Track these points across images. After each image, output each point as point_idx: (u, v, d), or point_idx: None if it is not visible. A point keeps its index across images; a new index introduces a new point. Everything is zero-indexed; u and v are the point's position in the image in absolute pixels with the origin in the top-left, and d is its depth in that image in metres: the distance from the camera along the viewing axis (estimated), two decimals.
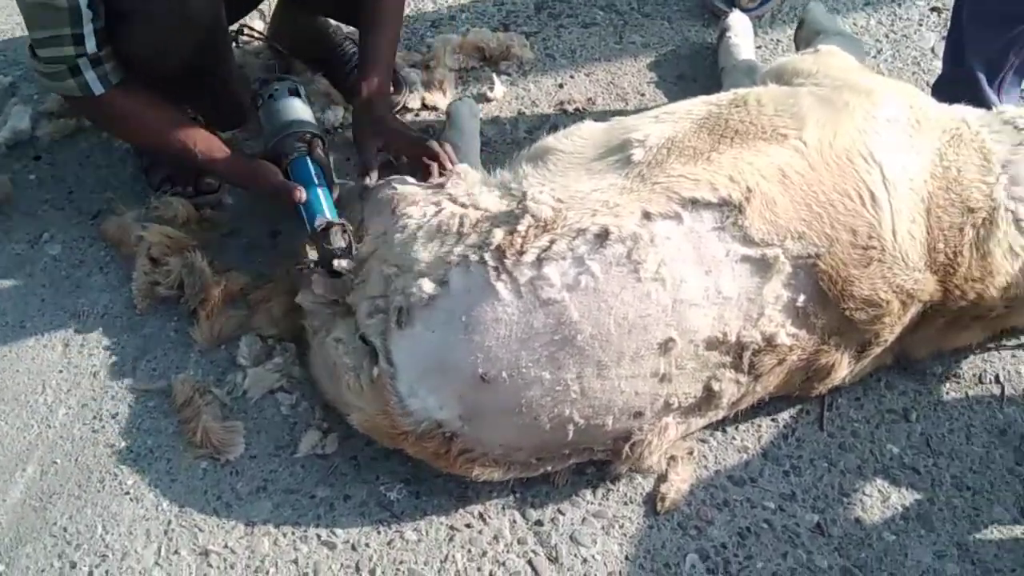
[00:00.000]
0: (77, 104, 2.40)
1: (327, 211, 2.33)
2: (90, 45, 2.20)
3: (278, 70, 2.90)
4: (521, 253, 1.95)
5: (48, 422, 2.27)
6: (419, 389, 1.99)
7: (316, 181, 2.40)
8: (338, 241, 2.23)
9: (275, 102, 2.55)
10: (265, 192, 2.42)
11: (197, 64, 2.36)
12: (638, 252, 1.95)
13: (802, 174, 2.06)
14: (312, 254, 2.27)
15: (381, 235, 2.17)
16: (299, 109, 2.54)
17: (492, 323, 1.93)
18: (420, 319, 1.99)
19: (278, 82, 2.60)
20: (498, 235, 1.99)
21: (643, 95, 2.98)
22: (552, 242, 1.96)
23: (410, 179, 2.28)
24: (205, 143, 2.41)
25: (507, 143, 2.81)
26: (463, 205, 2.12)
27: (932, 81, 2.85)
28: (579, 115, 2.34)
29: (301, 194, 2.33)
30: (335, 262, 2.20)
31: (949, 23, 2.73)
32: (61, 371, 2.36)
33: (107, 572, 2.04)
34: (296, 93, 2.58)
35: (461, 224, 2.06)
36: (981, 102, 2.54)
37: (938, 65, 2.83)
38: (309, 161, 2.44)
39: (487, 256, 1.96)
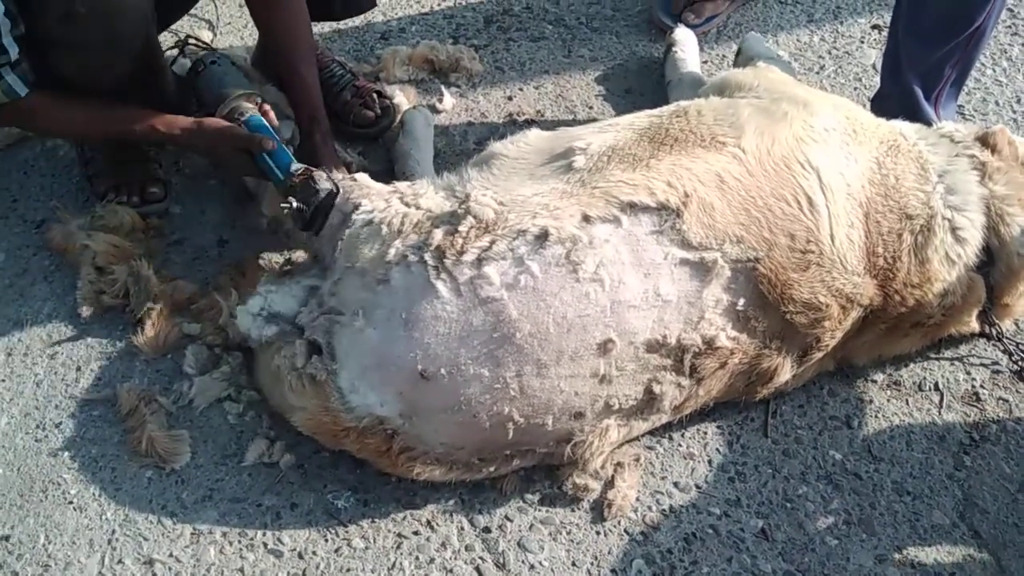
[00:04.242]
0: (4, 112, 2.32)
1: (295, 160, 2.29)
2: (13, 54, 2.18)
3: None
4: (461, 253, 1.98)
5: None
6: (360, 385, 2.00)
7: (275, 137, 2.35)
8: (324, 183, 2.19)
9: (218, 67, 2.49)
10: (228, 149, 2.35)
11: (132, 80, 2.35)
12: (577, 253, 1.98)
13: (740, 180, 2.09)
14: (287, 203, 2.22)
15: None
16: (242, 76, 2.51)
17: (432, 321, 1.95)
18: (361, 316, 2.01)
19: (216, 53, 2.56)
20: (438, 235, 2.01)
21: (591, 108, 3.02)
22: (492, 243, 1.99)
23: (368, 176, 2.31)
24: (153, 114, 2.39)
25: (456, 154, 2.83)
26: (407, 204, 2.13)
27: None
28: (528, 127, 2.38)
29: (271, 143, 2.28)
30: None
31: (887, 38, 2.79)
32: (3, 380, 2.34)
33: None
34: (236, 64, 2.54)
35: (402, 224, 2.08)
36: (918, 117, 2.60)
37: (879, 81, 2.88)
38: (263, 119, 2.39)
39: (427, 256, 1.99)
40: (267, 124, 2.38)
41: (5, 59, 2.18)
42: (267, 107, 2.44)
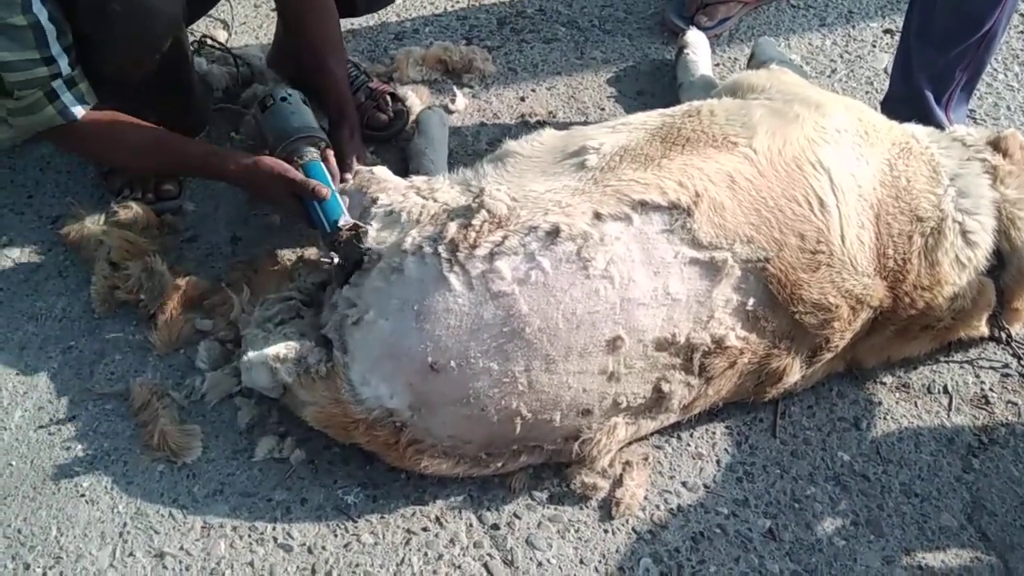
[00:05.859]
0: (57, 134, 2.33)
1: (346, 213, 2.24)
2: (63, 65, 2.19)
3: (240, 79, 2.92)
4: (474, 247, 1.99)
5: (4, 424, 2.27)
6: (371, 377, 2.02)
7: (331, 185, 2.30)
8: (367, 241, 2.15)
9: (288, 104, 2.45)
10: (281, 192, 2.30)
11: (160, 77, 2.37)
12: (588, 250, 1.99)
13: (751, 180, 2.09)
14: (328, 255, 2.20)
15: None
16: (310, 116, 2.46)
17: (443, 313, 1.96)
18: (374, 307, 2.03)
19: (288, 88, 2.51)
20: (452, 228, 2.03)
21: (603, 109, 3.02)
22: (505, 238, 2.00)
23: (387, 170, 2.34)
24: (208, 148, 2.42)
25: (469, 154, 2.84)
26: (424, 197, 2.16)
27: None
28: (540, 127, 2.40)
29: (325, 191, 2.24)
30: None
31: (898, 41, 2.78)
32: (18, 374, 2.35)
33: (61, 574, 2.04)
34: (306, 102, 2.49)
35: (419, 215, 2.10)
36: (929, 120, 2.59)
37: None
38: (322, 166, 2.35)
39: (441, 248, 2.01)
40: (325, 172, 2.33)
41: (55, 70, 2.18)
42: (329, 153, 2.40)
